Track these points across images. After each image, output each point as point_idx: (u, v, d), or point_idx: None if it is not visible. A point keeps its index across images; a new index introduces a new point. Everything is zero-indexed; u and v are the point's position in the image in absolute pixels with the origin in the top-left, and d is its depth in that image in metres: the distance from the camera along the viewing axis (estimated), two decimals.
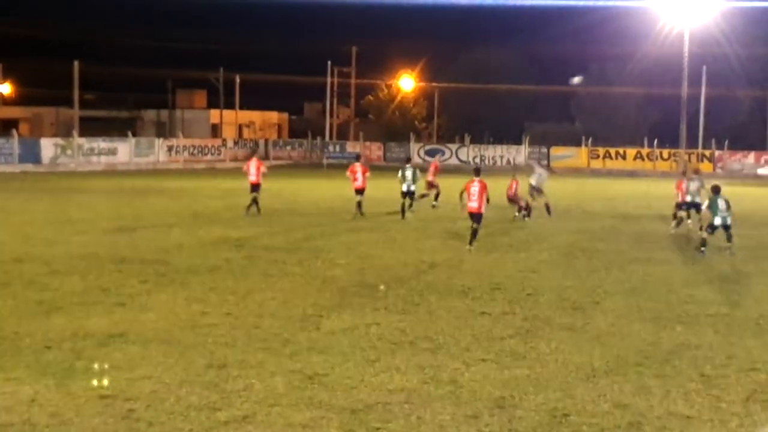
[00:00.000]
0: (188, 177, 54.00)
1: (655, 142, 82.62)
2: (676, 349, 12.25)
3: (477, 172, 23.91)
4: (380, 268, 19.04)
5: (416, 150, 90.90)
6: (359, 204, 30.09)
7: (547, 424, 9.07)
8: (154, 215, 29.87)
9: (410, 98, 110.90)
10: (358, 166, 31.34)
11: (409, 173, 31.09)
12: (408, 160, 33.68)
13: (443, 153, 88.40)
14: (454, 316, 14.16)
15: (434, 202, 33.85)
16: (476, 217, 22.85)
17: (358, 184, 30.44)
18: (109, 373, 10.56)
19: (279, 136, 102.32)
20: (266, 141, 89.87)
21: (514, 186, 30.44)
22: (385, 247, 22.53)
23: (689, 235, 26.42)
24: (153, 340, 12.23)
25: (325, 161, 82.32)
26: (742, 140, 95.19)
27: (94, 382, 10.26)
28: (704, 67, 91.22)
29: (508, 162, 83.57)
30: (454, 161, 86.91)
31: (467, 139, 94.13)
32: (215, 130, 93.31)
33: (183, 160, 71.47)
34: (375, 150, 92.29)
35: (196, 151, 76.20)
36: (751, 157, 79.74)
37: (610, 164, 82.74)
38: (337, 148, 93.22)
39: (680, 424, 9.11)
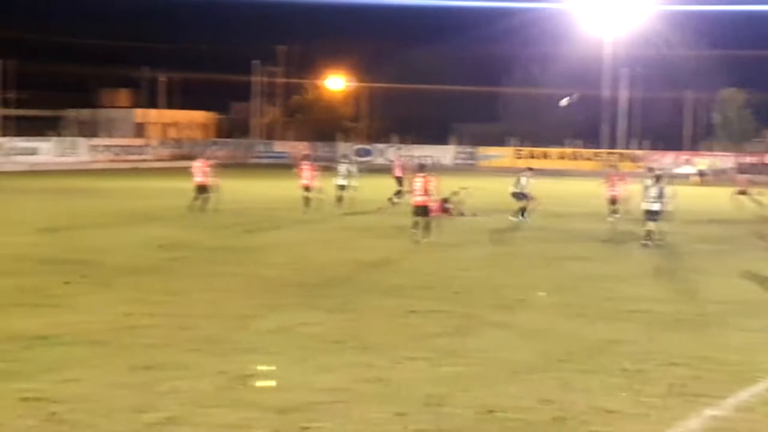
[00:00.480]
0: (113, 177, 53.34)
1: (580, 142, 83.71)
2: (599, 344, 12.50)
3: (421, 167, 25.38)
4: (312, 267, 19.09)
5: (344, 150, 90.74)
6: (307, 200, 31.52)
7: (475, 421, 9.21)
8: (81, 216, 29.49)
9: (339, 98, 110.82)
10: (305, 165, 32.76)
11: (343, 168, 33.26)
12: (345, 156, 35.58)
13: (372, 152, 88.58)
14: (385, 314, 14.25)
15: (395, 199, 34.36)
16: (421, 210, 23.72)
17: (306, 182, 31.79)
18: (34, 376, 10.41)
19: (206, 135, 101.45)
20: (194, 141, 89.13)
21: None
22: (317, 247, 22.59)
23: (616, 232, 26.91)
24: (80, 341, 12.13)
25: (252, 160, 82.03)
26: (664, 140, 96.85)
27: (18, 385, 10.07)
28: (626, 69, 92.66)
29: (436, 162, 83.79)
30: (382, 161, 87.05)
31: (396, 138, 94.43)
32: (140, 130, 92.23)
33: (107, 160, 70.58)
34: (302, 149, 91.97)
35: (120, 151, 75.32)
36: (671, 156, 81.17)
37: (535, 164, 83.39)
38: (265, 148, 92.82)
39: (602, 419, 9.32)
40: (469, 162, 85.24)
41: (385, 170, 39.34)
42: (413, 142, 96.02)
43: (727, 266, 20.86)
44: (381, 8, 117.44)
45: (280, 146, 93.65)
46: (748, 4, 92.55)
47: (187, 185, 30.41)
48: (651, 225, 24.35)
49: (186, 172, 31.98)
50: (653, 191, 24.29)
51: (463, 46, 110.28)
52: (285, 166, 50.23)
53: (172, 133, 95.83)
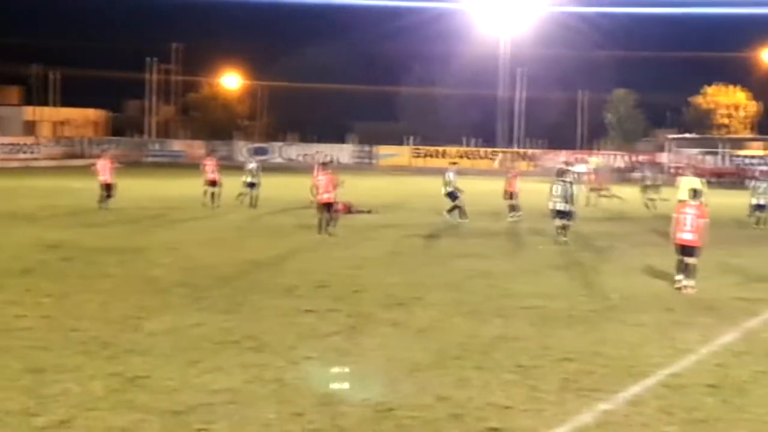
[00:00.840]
0: (1, 176, 51.95)
1: (476, 141, 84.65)
2: (494, 341, 12.59)
3: (325, 165, 26.67)
4: (204, 267, 18.82)
5: (241, 148, 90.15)
6: (213, 195, 33.00)
7: (371, 419, 9.17)
8: None
9: (235, 96, 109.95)
10: (209, 161, 34.26)
11: (252, 166, 34.25)
12: (266, 151, 36.64)
13: (268, 151, 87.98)
14: (279, 314, 14.13)
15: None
16: (327, 206, 25.04)
17: (210, 177, 33.28)
18: None
19: (98, 133, 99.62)
20: (85, 139, 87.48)
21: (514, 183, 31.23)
22: (209, 246, 22.29)
23: (515, 230, 27.22)
24: None
25: (146, 159, 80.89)
26: (557, 139, 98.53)
27: None
28: (520, 70, 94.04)
29: (332, 160, 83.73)
30: (279, 159, 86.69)
31: (293, 137, 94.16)
32: (30, 128, 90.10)
33: None
34: (199, 148, 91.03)
35: (10, 150, 73.55)
36: (565, 155, 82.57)
37: (433, 163, 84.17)
38: (159, 146, 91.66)
39: (498, 415, 9.37)
40: (367, 161, 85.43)
41: (282, 169, 39.07)
42: (312, 141, 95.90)
43: (618, 262, 21.27)
44: (278, 5, 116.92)
45: (175, 145, 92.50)
46: (638, 6, 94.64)
47: (79, 185, 29.86)
48: (559, 222, 25.01)
49: (79, 171, 31.48)
50: (559, 189, 24.93)
51: (362, 45, 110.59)
52: (180, 165, 49.92)
53: (64, 131, 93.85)
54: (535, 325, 13.73)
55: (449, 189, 30.51)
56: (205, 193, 33.37)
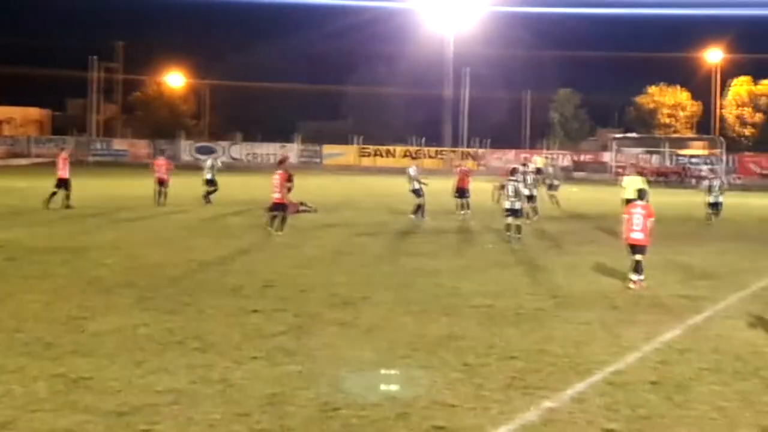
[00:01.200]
0: None
1: (423, 140, 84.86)
2: (441, 340, 12.61)
3: (280, 164, 26.88)
4: (148, 267, 18.66)
5: (186, 147, 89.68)
6: (160, 193, 34.09)
7: (318, 419, 9.14)
8: None
9: (179, 95, 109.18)
10: (162, 161, 35.27)
11: (209, 162, 35.70)
12: (212, 150, 37.32)
13: (215, 150, 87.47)
14: (225, 314, 14.04)
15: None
16: (279, 206, 25.21)
17: (161, 176, 34.34)
18: None
19: (40, 132, 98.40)
20: (27, 138, 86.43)
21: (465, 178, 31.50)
22: (154, 246, 22.10)
23: (467, 228, 27.31)
24: None
25: (90, 158, 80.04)
26: (503, 139, 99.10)
27: None
28: (467, 69, 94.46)
29: (284, 159, 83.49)
30: (224, 159, 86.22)
31: (238, 136, 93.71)
32: None
33: None
34: (143, 147, 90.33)
35: None
36: (511, 154, 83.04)
37: (380, 162, 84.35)
38: (103, 146, 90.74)
39: (445, 413, 9.39)
40: (314, 160, 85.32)
41: (228, 168, 38.83)
42: (259, 140, 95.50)
43: (564, 261, 21.43)
44: (222, 3, 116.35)
45: (118, 144, 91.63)
46: (582, 7, 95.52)
47: (23, 184, 29.53)
48: (511, 220, 25.30)
49: (22, 170, 31.18)
50: (510, 188, 25.32)
51: (308, 44, 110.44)
52: (124, 165, 49.48)
53: (5, 130, 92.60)
54: (482, 324, 13.78)
55: (415, 186, 30.72)
56: (155, 192, 34.28)
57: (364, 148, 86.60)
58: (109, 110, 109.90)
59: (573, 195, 37.81)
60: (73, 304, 14.54)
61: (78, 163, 73.98)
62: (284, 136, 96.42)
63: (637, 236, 17.85)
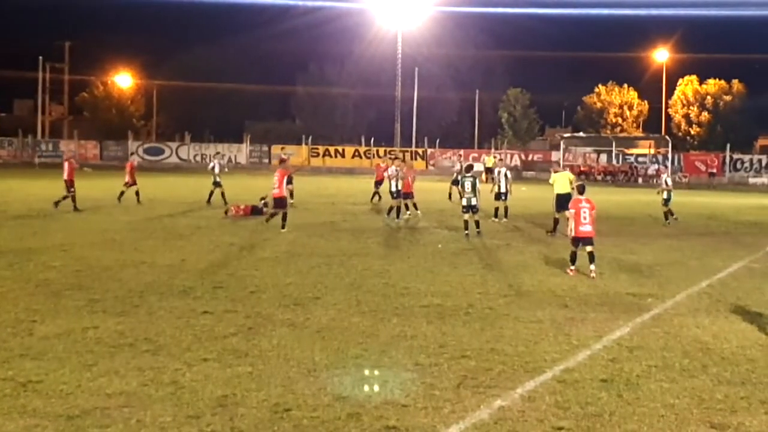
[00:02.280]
0: None
1: (372, 140, 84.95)
2: (392, 340, 12.63)
3: (281, 163, 28.04)
4: (97, 269, 18.47)
5: (135, 148, 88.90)
6: (122, 194, 34.93)
7: (269, 420, 9.12)
8: None
9: (128, 96, 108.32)
10: (130, 163, 36.55)
11: (216, 164, 35.42)
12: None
13: (164, 151, 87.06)
14: (176, 316, 13.95)
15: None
16: (280, 202, 26.86)
17: (127, 178, 35.47)
18: None
19: None
20: None
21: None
22: (103, 248, 21.89)
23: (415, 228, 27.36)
24: None
25: (37, 160, 79.18)
26: (453, 139, 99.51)
27: None
28: (416, 69, 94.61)
29: (230, 160, 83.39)
30: (174, 159, 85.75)
31: (187, 137, 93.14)
32: None
33: None
34: (91, 149, 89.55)
35: None
36: (460, 154, 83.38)
37: (329, 162, 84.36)
38: (51, 147, 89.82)
39: (397, 413, 9.40)
40: (265, 161, 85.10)
41: (177, 169, 38.56)
42: (208, 141, 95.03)
43: (514, 260, 21.55)
44: (171, 3, 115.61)
45: (66, 145, 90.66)
46: (532, 8, 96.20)
47: None
48: (470, 216, 26.29)
49: None
50: (469, 185, 26.09)
51: (257, 43, 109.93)
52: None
53: None
54: (432, 323, 13.82)
55: (393, 186, 30.73)
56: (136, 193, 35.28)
57: (314, 148, 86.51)
58: (56, 111, 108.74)
59: (522, 194, 38.03)
60: (21, 307, 14.36)
61: (24, 165, 73.25)
62: (235, 137, 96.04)
63: (587, 229, 19.23)
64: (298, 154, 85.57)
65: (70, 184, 32.39)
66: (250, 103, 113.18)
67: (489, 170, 62.00)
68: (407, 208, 31.62)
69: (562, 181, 27.73)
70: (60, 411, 9.23)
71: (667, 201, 32.40)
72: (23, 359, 11.15)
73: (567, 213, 21.00)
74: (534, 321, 14.21)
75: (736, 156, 79.71)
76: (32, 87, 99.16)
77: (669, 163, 70.71)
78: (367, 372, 10.92)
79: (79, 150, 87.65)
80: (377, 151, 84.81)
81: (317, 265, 19.87)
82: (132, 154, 45.11)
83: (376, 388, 10.29)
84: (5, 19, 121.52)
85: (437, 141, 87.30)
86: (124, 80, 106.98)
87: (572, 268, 19.33)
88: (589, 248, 19.17)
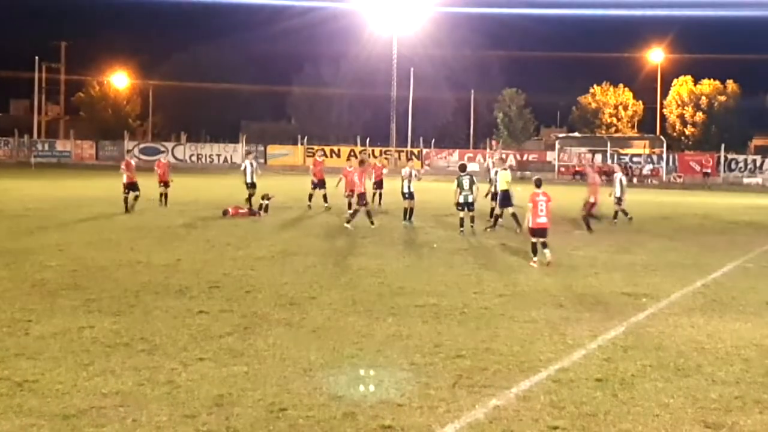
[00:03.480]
0: None
1: (368, 140, 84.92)
2: (388, 339, 12.66)
3: (360, 163, 28.88)
4: (93, 269, 18.48)
5: (131, 148, 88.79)
6: (162, 195, 33.80)
7: (265, 420, 9.13)
8: None
9: (124, 96, 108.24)
10: (125, 163, 33.68)
11: (248, 165, 34.50)
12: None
13: (160, 151, 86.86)
14: (171, 316, 13.96)
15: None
16: (362, 198, 27.88)
17: (164, 178, 34.39)
18: None
19: None
20: None
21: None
22: (99, 248, 21.89)
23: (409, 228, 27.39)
24: None
25: (33, 160, 79.08)
26: (448, 139, 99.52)
27: None
28: (411, 69, 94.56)
29: (226, 160, 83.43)
30: (170, 159, 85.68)
31: (183, 137, 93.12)
32: None
33: None
34: (87, 149, 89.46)
35: None
36: (456, 154, 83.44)
37: (325, 162, 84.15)
38: (47, 147, 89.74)
39: (392, 412, 9.42)
40: (260, 160, 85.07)
41: (174, 169, 38.48)
42: (204, 141, 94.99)
43: (509, 260, 21.58)
44: (167, 3, 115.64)
45: (62, 145, 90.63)
46: (527, 8, 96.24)
47: None
48: (467, 213, 26.74)
49: None
50: (466, 182, 26.38)
51: (253, 44, 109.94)
52: (67, 166, 49.11)
53: None
54: (428, 323, 13.84)
55: (406, 188, 30.44)
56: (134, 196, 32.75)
57: (310, 148, 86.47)
58: (52, 111, 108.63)
59: (517, 194, 38.02)
60: (17, 306, 14.37)
61: (20, 165, 73.20)
62: (231, 137, 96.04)
63: (543, 221, 20.63)
64: (293, 153, 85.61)
65: (130, 186, 31.98)
66: (245, 103, 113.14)
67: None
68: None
69: (502, 179, 28.70)
70: (56, 410, 9.24)
71: (619, 200, 31.81)
72: (19, 359, 11.16)
73: (520, 206, 21.98)
74: (529, 321, 14.24)
75: (730, 156, 79.78)
76: (28, 87, 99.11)
77: (663, 163, 70.73)
78: (362, 371, 10.94)
79: (75, 150, 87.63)
80: (372, 151, 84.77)
81: (313, 265, 19.88)
82: (163, 152, 41.97)
83: (372, 387, 10.31)
84: (1, 18, 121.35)
85: (433, 141, 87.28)
86: (120, 80, 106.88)
87: (535, 260, 20.44)
88: (544, 239, 20.61)
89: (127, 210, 31.38)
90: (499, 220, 28.55)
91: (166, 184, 34.39)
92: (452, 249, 23.44)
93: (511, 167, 73.20)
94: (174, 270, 18.70)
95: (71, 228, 26.36)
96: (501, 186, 28.49)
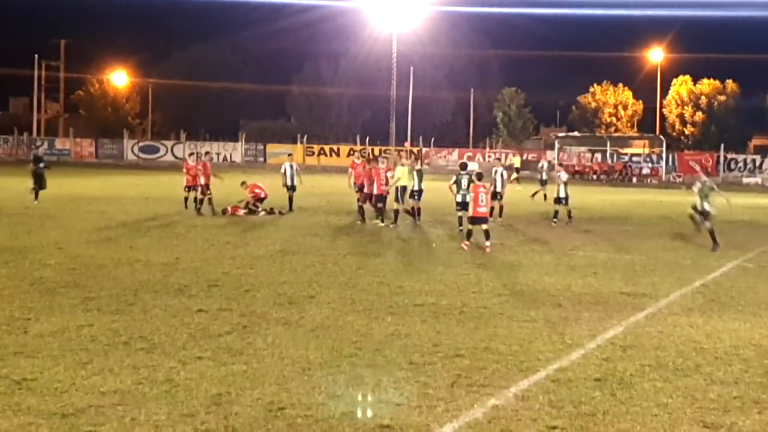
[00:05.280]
0: None
1: (367, 139, 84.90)
2: (386, 339, 12.65)
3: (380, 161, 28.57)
4: (92, 267, 18.48)
5: (131, 147, 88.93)
6: (206, 199, 31.65)
7: (263, 419, 9.13)
8: None
9: (123, 94, 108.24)
10: (201, 164, 32.59)
11: (288, 167, 34.10)
12: (290, 155, 36.62)
13: (159, 149, 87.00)
14: (170, 314, 13.96)
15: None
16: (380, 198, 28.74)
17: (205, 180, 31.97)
18: None
19: None
20: None
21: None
22: (98, 246, 21.89)
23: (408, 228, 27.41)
24: None
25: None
26: (448, 138, 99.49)
27: None
28: (411, 68, 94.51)
29: (225, 159, 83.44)
30: (169, 158, 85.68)
31: (183, 136, 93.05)
32: None
33: None
34: (87, 147, 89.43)
35: None
36: (456, 153, 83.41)
37: (324, 161, 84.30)
38: (46, 145, 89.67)
39: (390, 411, 9.42)
40: (260, 159, 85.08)
41: (173, 167, 38.51)
42: (204, 139, 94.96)
43: (508, 259, 21.59)
44: (166, 2, 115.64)
45: (61, 143, 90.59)
46: (527, 7, 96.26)
47: None
48: (461, 213, 26.20)
49: None
50: (465, 182, 25.95)
51: (253, 43, 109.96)
52: (67, 164, 49.04)
53: None
54: (426, 322, 13.84)
55: (415, 187, 30.30)
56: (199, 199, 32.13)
57: (309, 147, 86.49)
58: (52, 109, 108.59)
59: (517, 193, 38.11)
60: (16, 305, 14.37)
61: (19, 163, 73.16)
62: (231, 136, 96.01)
63: (483, 210, 23.39)
64: (292, 152, 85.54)
65: (205, 187, 31.52)
66: (245, 102, 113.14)
67: (517, 170, 62.52)
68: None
69: (402, 175, 29.00)
70: (54, 409, 9.23)
71: (563, 199, 31.14)
72: (18, 357, 11.15)
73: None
74: (528, 320, 14.23)
75: (730, 156, 79.76)
76: (28, 85, 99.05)
77: (663, 163, 70.63)
78: (361, 370, 10.93)
79: (74, 148, 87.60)
80: (372, 150, 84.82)
81: (312, 264, 19.88)
82: (207, 153, 37.92)
83: (371, 386, 10.30)
84: (1, 16, 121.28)
85: (432, 140, 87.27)
86: (119, 78, 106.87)
87: (467, 242, 23.13)
88: (484, 226, 23.17)
89: (213, 212, 31.13)
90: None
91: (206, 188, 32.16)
92: (451, 248, 23.44)
93: (511, 167, 73.26)
94: (173, 268, 18.69)
95: (70, 226, 26.34)
96: (401, 182, 28.88)
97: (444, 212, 32.27)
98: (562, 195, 31.15)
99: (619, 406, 9.85)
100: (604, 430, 9.11)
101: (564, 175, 32.01)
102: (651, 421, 9.41)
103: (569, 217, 31.24)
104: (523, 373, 11.04)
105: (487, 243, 22.81)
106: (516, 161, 69.05)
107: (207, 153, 37.48)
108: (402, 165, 29.81)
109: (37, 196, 32.72)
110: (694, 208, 25.78)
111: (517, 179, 47.37)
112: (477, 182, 23.77)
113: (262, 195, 32.36)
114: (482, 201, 23.20)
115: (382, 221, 28.41)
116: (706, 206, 25.30)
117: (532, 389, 10.38)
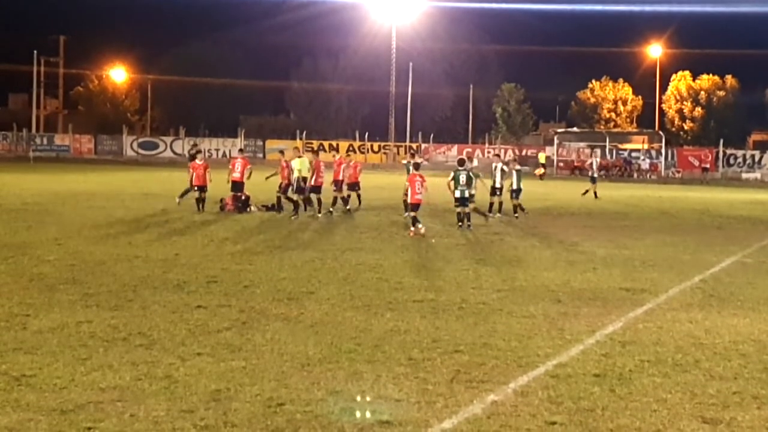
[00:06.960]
0: None
1: (366, 135, 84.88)
2: (386, 335, 12.65)
3: (416, 166, 27.65)
4: (92, 263, 18.47)
5: (130, 143, 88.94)
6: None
7: (263, 415, 9.12)
8: None
9: (122, 90, 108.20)
10: (239, 159, 32.92)
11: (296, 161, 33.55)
12: (299, 149, 36.47)
13: (158, 145, 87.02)
14: (170, 310, 13.95)
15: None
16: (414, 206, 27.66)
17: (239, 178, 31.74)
18: None
19: None
20: None
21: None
22: (97, 242, 21.88)
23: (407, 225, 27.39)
24: None
25: (31, 154, 79.06)
26: (447, 134, 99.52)
27: None
28: (410, 64, 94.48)
29: (224, 155, 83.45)
30: (168, 154, 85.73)
31: (182, 131, 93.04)
32: None
33: None
34: (86, 143, 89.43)
35: None
36: (455, 149, 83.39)
37: (324, 157, 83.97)
38: (45, 141, 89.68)
39: (390, 408, 9.42)
40: (259, 155, 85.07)
41: (172, 163, 38.56)
42: (203, 135, 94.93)
43: (507, 255, 21.60)
44: None
45: (60, 139, 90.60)
46: (526, 3, 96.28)
47: None
48: (463, 209, 26.86)
49: None
50: (464, 177, 26.58)
51: (252, 38, 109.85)
52: (66, 160, 49.10)
53: None
54: (426, 318, 13.84)
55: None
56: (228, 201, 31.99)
57: (308, 143, 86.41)
58: (51, 105, 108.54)
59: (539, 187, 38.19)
60: (15, 301, 14.36)
61: (19, 159, 73.17)
62: (230, 131, 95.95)
63: (419, 197, 25.73)
64: (291, 148, 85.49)
65: (240, 185, 31.23)
66: (244, 98, 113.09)
67: (543, 165, 62.60)
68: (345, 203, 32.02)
69: (302, 166, 30.16)
70: (53, 405, 9.22)
71: (516, 192, 31.38)
72: (17, 353, 11.14)
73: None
74: (527, 316, 14.23)
75: (729, 151, 79.81)
76: (27, 81, 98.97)
77: (662, 158, 70.62)
78: (360, 366, 10.92)
79: (73, 144, 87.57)
80: (371, 146, 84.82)
81: (311, 260, 19.88)
82: (199, 152, 36.31)
83: (370, 382, 10.29)
84: (0, 13, 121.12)
85: (431, 136, 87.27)
86: (118, 74, 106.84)
87: (412, 230, 24.91)
88: (413, 213, 25.39)
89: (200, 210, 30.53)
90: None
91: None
92: (450, 244, 23.45)
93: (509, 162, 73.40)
94: (172, 264, 18.69)
95: (69, 222, 26.34)
96: (301, 174, 29.89)
97: (442, 209, 32.28)
98: (515, 187, 31.59)
99: (619, 401, 9.85)
100: (604, 426, 9.10)
101: (517, 167, 32.56)
102: (650, 416, 9.40)
103: (521, 209, 31.80)
104: (522, 368, 11.04)
105: (420, 226, 24.99)
106: (541, 157, 69.05)
107: (199, 152, 36.88)
108: (299, 157, 30.24)
109: None
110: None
111: (542, 175, 47.04)
112: (415, 171, 26.41)
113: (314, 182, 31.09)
114: (418, 189, 25.70)
115: (303, 211, 29.70)
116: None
117: (531, 385, 10.37)
